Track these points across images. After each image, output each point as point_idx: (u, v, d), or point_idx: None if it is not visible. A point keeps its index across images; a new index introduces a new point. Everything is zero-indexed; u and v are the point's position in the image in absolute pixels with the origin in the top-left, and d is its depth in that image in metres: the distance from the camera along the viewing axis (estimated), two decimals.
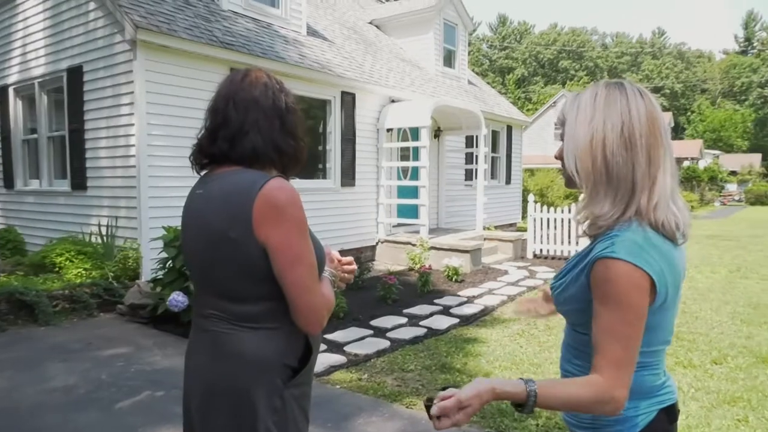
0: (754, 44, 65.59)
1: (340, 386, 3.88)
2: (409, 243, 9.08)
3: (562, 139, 1.31)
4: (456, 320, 5.73)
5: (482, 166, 10.63)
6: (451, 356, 4.58)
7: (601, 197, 1.23)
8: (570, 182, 1.31)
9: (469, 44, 13.31)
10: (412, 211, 10.26)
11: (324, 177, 8.76)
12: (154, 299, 5.28)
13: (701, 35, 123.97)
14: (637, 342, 1.17)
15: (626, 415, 1.22)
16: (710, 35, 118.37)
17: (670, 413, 1.29)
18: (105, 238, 6.45)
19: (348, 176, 8.93)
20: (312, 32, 9.50)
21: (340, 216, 8.71)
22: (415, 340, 5.03)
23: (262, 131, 1.38)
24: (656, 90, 63.24)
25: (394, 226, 9.96)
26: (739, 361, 4.49)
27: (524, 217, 15.10)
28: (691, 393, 3.79)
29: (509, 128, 13.90)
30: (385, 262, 9.22)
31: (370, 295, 6.72)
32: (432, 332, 5.29)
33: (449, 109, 10.03)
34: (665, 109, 48.96)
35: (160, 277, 5.28)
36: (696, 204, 24.57)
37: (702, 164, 34.24)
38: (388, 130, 9.65)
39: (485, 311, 6.15)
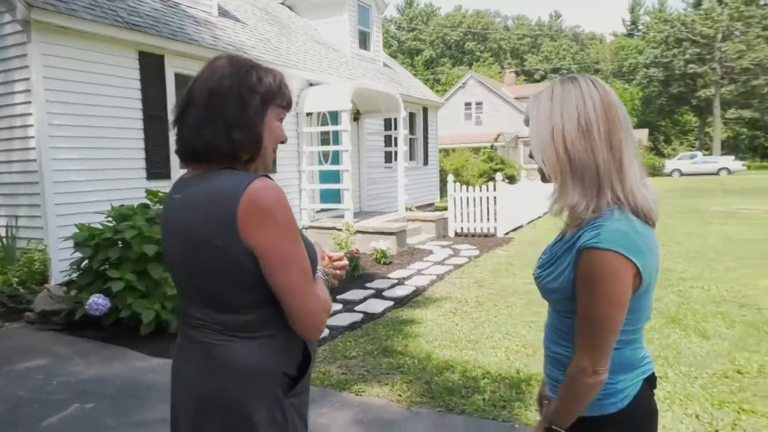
0: (640, 27, 70.67)
1: None
2: (334, 228, 9.02)
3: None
4: (390, 303, 5.79)
5: (402, 148, 10.73)
6: (391, 339, 4.62)
7: (569, 188, 1.28)
8: (544, 178, 1.37)
9: None
10: (334, 196, 10.20)
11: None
12: (69, 304, 4.89)
13: (593, 19, 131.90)
14: (616, 328, 1.24)
15: (617, 387, 1.32)
16: (601, 19, 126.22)
17: (651, 381, 1.40)
18: (5, 240, 5.86)
19: None
20: (223, 12, 9.08)
21: None
22: (353, 326, 5.02)
23: (212, 121, 1.26)
24: (555, 71, 66.69)
25: (317, 212, 9.86)
26: (652, 322, 4.88)
27: (442, 196, 15.51)
28: None
29: (425, 110, 14.11)
30: None
31: None
32: (368, 317, 5.31)
33: (368, 92, 10.00)
34: None
35: (75, 279, 4.89)
36: None
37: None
38: (308, 114, 9.48)
39: (417, 292, 6.26)
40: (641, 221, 1.27)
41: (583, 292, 1.24)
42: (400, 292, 6.24)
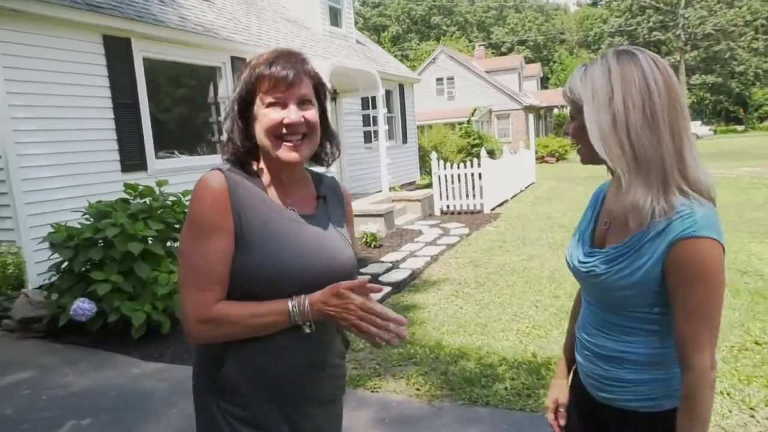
0: None
1: None
2: None
3: (572, 117, 1.28)
4: (388, 288, 5.61)
5: (382, 127, 10.47)
6: None
7: (633, 184, 1.17)
8: (589, 159, 1.27)
9: None
10: None
11: (217, 152, 8.09)
12: (52, 309, 4.56)
13: None
14: (721, 315, 1.18)
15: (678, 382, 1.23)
16: None
17: None
18: None
19: None
20: None
21: None
22: None
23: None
24: (521, 42, 66.71)
25: None
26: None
27: (423, 174, 15.33)
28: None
29: (401, 87, 13.81)
30: None
31: None
32: None
33: (345, 70, 9.66)
34: (531, 61, 51.82)
35: (55, 283, 4.57)
36: (569, 148, 26.51)
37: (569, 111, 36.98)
38: None
39: (414, 275, 6.09)
40: (713, 206, 1.19)
41: (689, 286, 1.14)
42: (397, 276, 6.07)
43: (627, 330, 1.28)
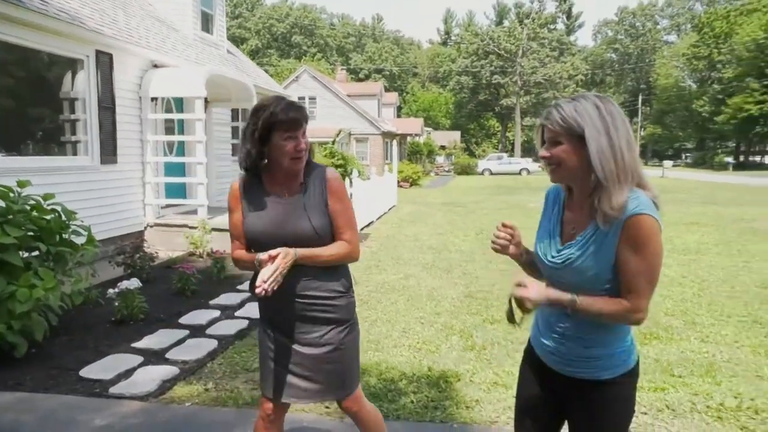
0: (452, 38, 77.05)
1: (190, 403, 3.34)
2: (185, 226, 8.26)
3: (557, 143, 1.58)
4: None
5: None
6: None
7: (620, 190, 1.53)
8: (561, 178, 1.64)
9: None
10: (179, 191, 9.36)
11: (78, 153, 7.28)
12: None
13: (412, 25, 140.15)
14: (658, 276, 1.55)
15: (631, 347, 1.68)
16: (419, 26, 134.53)
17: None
18: None
19: (108, 152, 7.59)
20: None
21: (102, 198, 7.39)
22: (241, 334, 4.62)
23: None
24: (378, 71, 69.54)
25: (162, 208, 8.92)
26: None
27: None
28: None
29: None
30: (158, 248, 8.20)
31: (162, 288, 5.94)
32: (253, 322, 4.93)
33: (221, 79, 9.31)
34: (387, 89, 54.17)
35: None
36: (421, 174, 28.05)
37: (421, 140, 39.22)
38: (153, 99, 8.50)
39: None
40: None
41: (636, 252, 1.51)
42: None
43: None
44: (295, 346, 2.09)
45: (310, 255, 1.98)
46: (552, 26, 59.29)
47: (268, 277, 1.84)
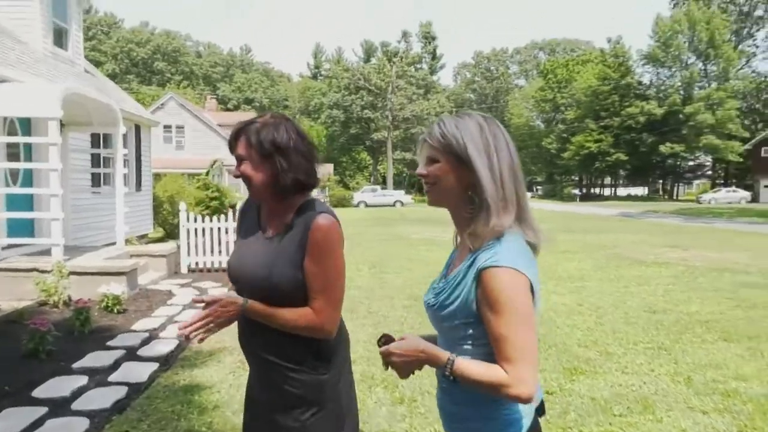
0: (322, 72, 77.98)
1: None
2: (35, 270, 6.89)
3: (433, 161, 1.41)
4: (154, 365, 4.56)
5: (121, 171, 9.03)
6: (185, 418, 3.56)
7: (500, 214, 1.32)
8: (436, 201, 1.43)
9: None
10: (26, 228, 7.92)
11: None
12: None
13: (281, 58, 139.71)
14: (533, 337, 1.27)
15: (515, 417, 1.34)
16: (288, 59, 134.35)
17: (539, 410, 1.44)
18: None
19: None
20: None
21: None
22: (119, 407, 3.72)
23: None
24: (248, 102, 68.08)
25: (4, 249, 7.43)
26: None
27: (156, 227, 13.75)
28: None
29: (137, 128, 12.33)
30: None
31: (6, 349, 4.76)
32: (134, 389, 4.04)
33: (80, 98, 8.10)
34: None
35: None
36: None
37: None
38: None
39: (182, 346, 5.11)
40: (528, 244, 1.36)
41: (493, 312, 1.25)
42: (161, 348, 5.01)
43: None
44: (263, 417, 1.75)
45: (263, 312, 1.63)
46: (419, 65, 62.44)
47: (193, 322, 1.57)
